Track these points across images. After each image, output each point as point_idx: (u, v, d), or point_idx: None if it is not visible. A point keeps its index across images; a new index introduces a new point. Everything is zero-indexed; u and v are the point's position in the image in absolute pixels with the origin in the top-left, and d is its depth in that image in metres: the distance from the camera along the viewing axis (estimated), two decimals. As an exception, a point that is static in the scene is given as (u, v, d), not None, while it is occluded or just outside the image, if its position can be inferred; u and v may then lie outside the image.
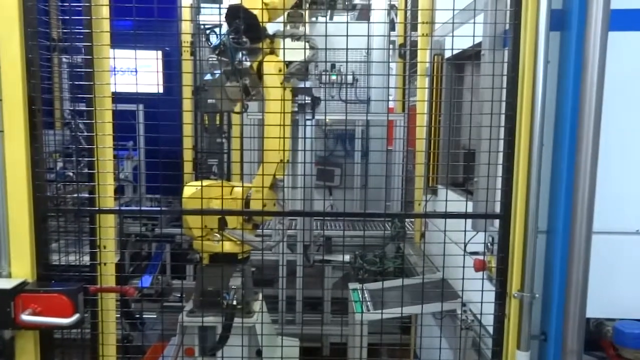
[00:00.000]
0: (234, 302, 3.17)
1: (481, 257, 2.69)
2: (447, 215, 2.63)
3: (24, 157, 2.27)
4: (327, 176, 6.17)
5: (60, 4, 2.73)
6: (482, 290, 2.54)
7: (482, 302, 2.56)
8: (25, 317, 2.19)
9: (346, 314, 4.31)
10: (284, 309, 5.04)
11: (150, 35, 2.99)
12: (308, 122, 4.99)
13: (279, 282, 5.16)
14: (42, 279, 2.36)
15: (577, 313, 2.37)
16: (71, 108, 4.17)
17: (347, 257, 5.02)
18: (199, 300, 3.33)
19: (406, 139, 5.60)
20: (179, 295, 5.88)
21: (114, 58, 2.61)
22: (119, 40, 2.80)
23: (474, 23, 2.57)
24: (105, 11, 2.47)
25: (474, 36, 2.56)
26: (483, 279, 2.61)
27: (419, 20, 4.86)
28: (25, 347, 2.34)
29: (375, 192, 5.71)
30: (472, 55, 3.19)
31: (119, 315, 3.73)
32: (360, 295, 3.66)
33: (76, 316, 2.23)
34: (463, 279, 2.62)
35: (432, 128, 4.23)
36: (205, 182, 3.14)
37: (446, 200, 2.80)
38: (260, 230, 3.47)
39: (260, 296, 3.63)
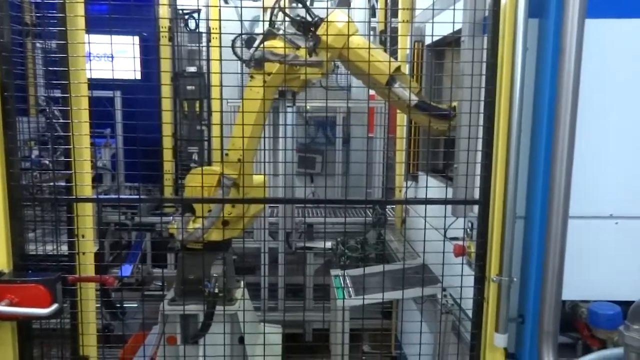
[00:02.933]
0: (216, 290, 3.16)
1: (461, 243, 2.73)
2: (427, 202, 2.66)
3: (-3, 145, 2.22)
4: (308, 163, 6.17)
5: (32, -13, 2.65)
6: (462, 275, 2.59)
7: (461, 287, 2.61)
8: (2, 308, 2.15)
9: (328, 300, 4.34)
10: (266, 296, 5.05)
11: (126, 19, 2.93)
12: (289, 110, 4.97)
13: (261, 270, 5.16)
14: (18, 269, 2.32)
15: (553, 296, 2.42)
16: (46, 95, 4.08)
17: (328, 244, 5.05)
18: (180, 288, 3.32)
19: (387, 125, 5.61)
20: (160, 284, 5.84)
21: (89, 43, 2.55)
22: (95, 24, 2.73)
23: (454, 9, 2.58)
24: (79, -5, 2.41)
25: (453, 23, 2.57)
26: (463, 264, 2.65)
27: (400, 6, 4.84)
28: (3, 338, 2.31)
29: (356, 179, 5.72)
30: (452, 42, 3.20)
31: (99, 305, 3.69)
32: (342, 282, 3.69)
33: (54, 306, 2.20)
34: (443, 264, 2.66)
35: (413, 115, 4.24)
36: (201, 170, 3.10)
37: (426, 187, 2.83)
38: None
39: (242, 284, 3.63)
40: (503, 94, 2.35)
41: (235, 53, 3.25)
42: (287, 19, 3.06)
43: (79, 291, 2.54)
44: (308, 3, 5.46)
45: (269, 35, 3.08)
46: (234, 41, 3.29)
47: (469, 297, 2.59)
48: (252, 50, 3.09)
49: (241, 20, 5.68)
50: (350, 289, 3.57)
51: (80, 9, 2.41)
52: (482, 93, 2.48)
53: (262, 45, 3.01)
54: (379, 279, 3.33)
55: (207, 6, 5.84)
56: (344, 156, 6.19)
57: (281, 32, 3.04)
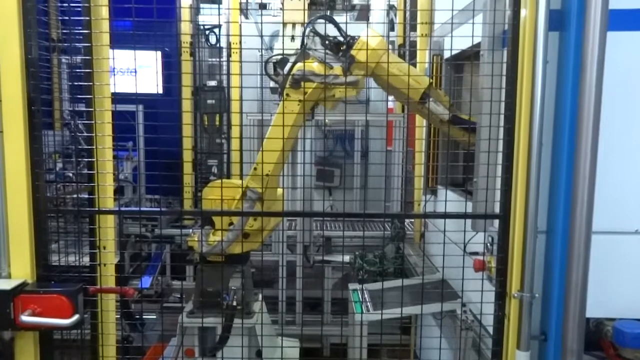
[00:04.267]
0: (234, 303, 3.17)
1: (481, 258, 2.69)
2: (446, 216, 2.64)
3: (24, 157, 2.27)
4: (326, 177, 6.17)
5: (59, 4, 2.72)
6: (482, 291, 2.55)
7: (482, 302, 2.56)
8: (25, 318, 2.19)
9: (346, 315, 4.31)
10: (284, 310, 5.04)
11: (149, 35, 2.99)
12: (307, 123, 5.00)
13: (279, 283, 5.16)
14: (42, 279, 2.36)
15: (577, 313, 2.37)
16: (71, 109, 4.18)
17: (346, 258, 5.02)
18: (199, 301, 3.33)
19: (406, 139, 5.60)
20: (179, 296, 5.88)
21: (114, 59, 2.61)
22: (119, 40, 2.80)
23: (473, 23, 2.57)
24: (104, 11, 2.47)
25: (472, 36, 2.57)
26: (483, 279, 2.62)
27: (418, 20, 4.86)
28: (24, 348, 2.34)
29: (374, 192, 5.71)
30: (471, 55, 3.19)
31: (118, 316, 3.73)
32: (360, 296, 3.66)
33: (76, 317, 2.23)
34: (463, 279, 2.62)
35: (432, 128, 4.23)
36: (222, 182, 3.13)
37: (445, 201, 2.81)
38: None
39: (260, 297, 3.63)
40: (523, 107, 2.33)
41: (267, 74, 3.31)
42: (318, 39, 3.12)
43: (99, 302, 2.57)
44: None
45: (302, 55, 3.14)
46: (266, 62, 3.36)
47: (490, 313, 2.54)
48: (285, 70, 3.13)
49: (261, 36, 5.78)
50: (368, 303, 3.55)
51: (105, 26, 2.47)
52: (502, 106, 2.47)
53: (298, 66, 3.06)
54: (398, 293, 3.30)
55: (228, 22, 5.94)
56: (362, 169, 6.19)
57: (317, 52, 3.10)
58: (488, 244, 2.71)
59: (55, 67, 4.91)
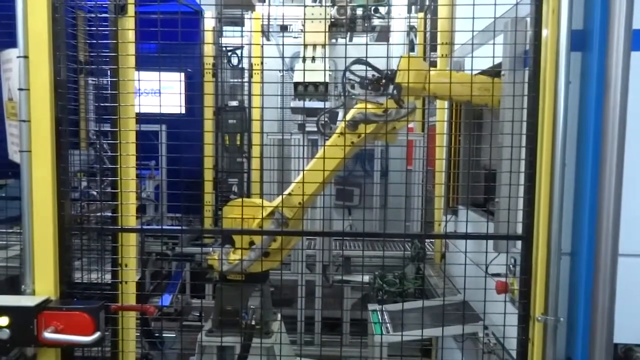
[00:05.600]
0: (253, 322, 3.16)
1: (503, 279, 2.64)
2: (467, 236, 2.61)
3: (50, 176, 2.32)
4: (346, 196, 6.17)
5: (87, 28, 2.81)
6: (505, 313, 2.49)
7: (504, 326, 2.51)
8: (48, 334, 2.21)
9: (365, 336, 4.25)
10: (303, 330, 5.00)
11: (173, 57, 3.06)
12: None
13: (297, 302, 5.13)
14: (64, 296, 2.39)
15: (604, 338, 2.30)
16: (96, 129, 4.27)
17: (366, 278, 4.98)
18: (218, 319, 3.34)
19: (426, 159, 5.58)
20: (198, 314, 5.88)
21: (139, 80, 2.67)
22: (143, 62, 2.87)
23: (494, 44, 2.58)
24: (131, 35, 2.54)
25: (493, 57, 2.56)
26: (505, 301, 2.56)
27: (438, 41, 4.88)
28: (47, 364, 2.37)
29: (394, 212, 5.68)
30: (492, 75, 3.18)
31: (138, 334, 3.74)
32: (379, 317, 3.62)
33: (97, 334, 2.25)
34: (485, 301, 2.58)
35: (452, 148, 4.22)
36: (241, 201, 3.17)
37: (467, 221, 2.78)
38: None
39: (279, 316, 3.62)
40: (545, 127, 2.31)
41: (319, 128, 3.36)
42: (355, 79, 3.18)
43: (120, 320, 2.59)
44: (347, 39, 5.59)
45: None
46: (319, 118, 3.42)
47: (513, 336, 2.49)
48: (346, 116, 3.19)
49: (282, 57, 5.86)
50: (388, 324, 3.50)
51: (131, 48, 2.54)
52: (523, 126, 2.45)
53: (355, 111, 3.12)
54: (418, 314, 3.25)
55: (250, 44, 6.05)
56: (382, 189, 6.17)
57: (360, 96, 3.15)
58: (510, 266, 2.66)
59: (82, 88, 5.04)
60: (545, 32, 2.31)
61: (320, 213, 4.85)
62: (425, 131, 5.96)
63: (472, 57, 2.96)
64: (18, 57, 2.30)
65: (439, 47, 4.88)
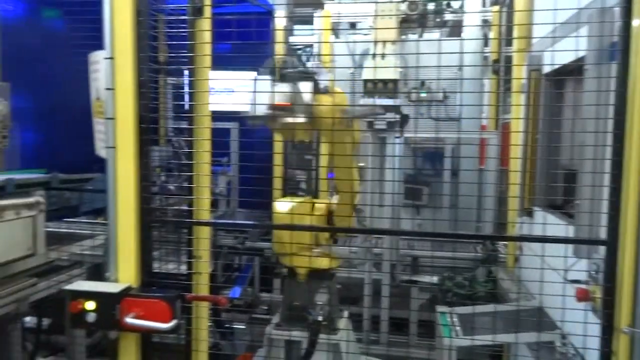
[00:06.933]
0: (319, 318, 3.18)
1: (584, 287, 2.49)
2: (545, 239, 2.48)
3: (133, 171, 2.46)
4: (415, 195, 6.06)
5: (167, 30, 2.95)
6: (585, 323, 2.35)
7: (585, 336, 2.37)
8: (129, 320, 2.34)
9: (433, 338, 4.17)
10: (369, 329, 4.99)
11: (245, 56, 3.14)
12: (396, 140, 4.97)
13: (363, 301, 5.12)
14: (144, 285, 2.53)
15: (698, 353, 2.11)
16: (174, 126, 4.47)
17: (434, 279, 4.88)
18: (286, 314, 3.39)
19: (499, 157, 5.38)
20: (267, 307, 6.02)
21: (214, 79, 2.76)
22: (218, 62, 2.96)
23: (577, 36, 2.43)
24: (207, 36, 2.64)
25: (576, 50, 2.42)
26: (586, 310, 2.42)
27: (515, 35, 4.68)
28: (127, 348, 2.51)
29: (465, 212, 5.52)
30: (573, 70, 3.01)
31: (210, 324, 3.89)
32: (448, 319, 3.54)
33: (174, 322, 2.36)
34: (563, 308, 2.44)
35: (529, 147, 4.03)
36: (292, 199, 3.22)
37: (544, 224, 2.64)
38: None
39: (345, 314, 3.62)
40: (635, 125, 2.15)
41: None
42: None
43: (194, 309, 2.70)
44: (418, 35, 5.48)
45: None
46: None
47: (594, 348, 2.34)
48: None
49: (352, 55, 5.85)
50: (457, 327, 3.41)
51: (208, 49, 2.64)
52: (608, 124, 2.29)
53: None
54: (489, 319, 3.15)
55: (320, 42, 6.10)
56: (452, 188, 6.01)
57: None
58: (592, 272, 2.51)
59: (161, 88, 5.30)
60: (636, 22, 2.15)
61: (389, 211, 4.81)
62: (499, 129, 5.74)
63: (552, 50, 2.82)
64: (105, 58, 2.45)
65: (515, 41, 4.68)
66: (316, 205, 3.32)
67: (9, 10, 4.62)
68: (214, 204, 5.89)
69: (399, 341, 5.26)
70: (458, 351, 3.26)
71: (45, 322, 3.94)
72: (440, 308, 3.81)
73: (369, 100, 4.54)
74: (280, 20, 6.25)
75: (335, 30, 6.49)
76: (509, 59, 5.24)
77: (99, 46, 2.60)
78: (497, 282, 4.55)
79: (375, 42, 4.68)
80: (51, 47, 4.54)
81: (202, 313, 2.76)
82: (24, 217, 3.02)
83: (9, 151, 3.75)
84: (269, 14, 6.06)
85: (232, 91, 2.79)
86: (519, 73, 4.45)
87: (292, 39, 6.73)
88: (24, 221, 3.01)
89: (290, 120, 2.84)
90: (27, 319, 3.64)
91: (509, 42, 5.50)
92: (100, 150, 3.08)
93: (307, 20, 7.40)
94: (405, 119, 4.69)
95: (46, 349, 3.92)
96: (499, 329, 3.14)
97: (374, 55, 4.66)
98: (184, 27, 2.63)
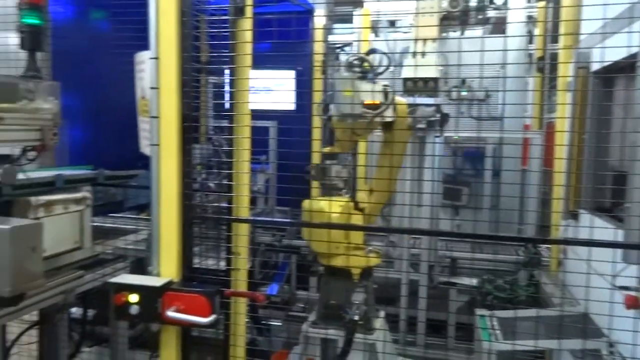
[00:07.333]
0: (356, 318, 3.17)
1: (634, 293, 2.39)
2: (591, 243, 2.39)
3: (176, 168, 2.51)
4: (454, 195, 5.96)
5: (209, 30, 3.00)
6: (635, 331, 2.25)
7: (634, 345, 2.27)
8: (171, 313, 2.39)
9: (472, 341, 4.09)
10: (405, 330, 4.94)
11: (285, 56, 3.16)
12: (436, 140, 4.89)
13: (400, 301, 5.07)
14: (185, 279, 2.58)
15: None
16: (214, 124, 4.55)
17: (473, 281, 4.78)
18: (322, 312, 3.40)
19: (543, 158, 5.22)
20: (302, 305, 6.05)
21: (254, 78, 2.78)
22: (258, 61, 2.99)
23: (630, 32, 2.33)
24: (248, 35, 2.66)
25: (629, 46, 2.32)
26: (636, 318, 2.31)
27: (562, 31, 4.53)
28: (168, 341, 2.57)
29: (506, 213, 5.39)
30: (625, 67, 2.88)
31: (247, 320, 3.94)
32: (488, 323, 3.46)
33: (213, 317, 2.39)
34: (610, 315, 2.35)
35: (575, 147, 3.89)
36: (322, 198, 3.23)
37: (590, 227, 2.55)
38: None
39: (382, 314, 3.60)
40: (692, 125, 2.04)
41: None
42: None
43: (232, 305, 2.74)
44: (460, 32, 5.38)
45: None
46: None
47: (644, 357, 2.24)
48: None
49: (392, 53, 5.79)
50: (497, 331, 3.33)
51: (248, 48, 2.66)
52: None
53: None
54: (531, 324, 3.06)
55: (358, 40, 6.07)
56: (493, 189, 5.87)
57: None
58: (643, 279, 2.40)
59: (202, 87, 5.40)
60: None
61: (426, 211, 4.75)
62: (543, 128, 5.58)
63: (601, 47, 2.71)
64: (150, 58, 2.52)
65: (561, 37, 4.53)
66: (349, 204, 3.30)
67: (59, 13, 4.80)
68: (252, 202, 5.97)
69: (436, 343, 5.19)
70: (498, 356, 3.19)
71: (91, 313, 4.08)
72: (479, 311, 3.73)
73: (410, 99, 4.50)
74: (319, 19, 6.25)
75: (374, 28, 6.45)
76: (554, 56, 5.08)
77: (144, 47, 2.67)
78: (539, 286, 4.42)
79: (416, 40, 4.62)
80: (98, 47, 4.70)
81: (240, 309, 2.80)
82: (72, 211, 3.13)
83: (58, 148, 3.90)
84: (308, 13, 6.07)
85: (271, 90, 2.82)
86: (566, 71, 4.30)
87: (331, 38, 6.72)
88: (71, 215, 3.13)
89: (378, 119, 2.92)
90: (74, 309, 3.77)
91: (554, 39, 5.33)
92: (145, 148, 3.16)
93: (347, 19, 7.39)
94: (445, 118, 4.62)
95: (91, 339, 4.06)
96: (541, 334, 3.05)
97: (414, 53, 4.60)
98: (225, 27, 2.67)
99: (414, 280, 5.06)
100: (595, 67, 3.62)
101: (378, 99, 3.00)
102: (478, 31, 5.79)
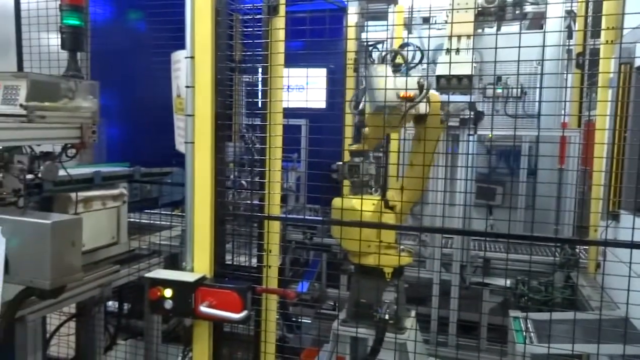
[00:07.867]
0: (386, 317, 3.16)
1: (678, 298, 2.30)
2: (635, 245, 2.31)
3: (210, 165, 2.55)
4: (487, 194, 5.85)
5: (242, 29, 3.03)
6: (679, 338, 2.17)
7: (677, 351, 2.18)
8: (203, 308, 2.44)
9: (505, 343, 4.01)
10: (436, 330, 4.88)
11: (318, 54, 3.16)
12: (470, 138, 4.82)
13: (432, 301, 5.02)
14: (217, 275, 2.62)
15: None
16: (247, 122, 4.59)
17: (507, 282, 4.69)
18: (352, 310, 3.39)
19: (581, 157, 5.06)
20: (333, 303, 6.06)
21: (287, 77, 2.80)
22: (291, 59, 3.01)
23: (677, 26, 2.23)
24: (281, 34, 2.68)
25: (675, 41, 2.22)
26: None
27: (603, 26, 4.37)
28: (201, 335, 2.62)
29: (542, 213, 5.25)
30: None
31: (278, 317, 3.97)
32: (522, 325, 3.38)
33: (245, 313, 2.43)
34: (653, 321, 2.26)
35: (616, 145, 3.76)
36: (352, 196, 3.23)
37: (633, 228, 2.46)
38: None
39: (413, 313, 3.57)
40: None
41: None
42: None
43: (264, 301, 2.76)
44: (495, 28, 5.28)
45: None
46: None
47: (688, 365, 2.15)
48: None
49: (428, 50, 5.72)
50: (532, 334, 3.25)
51: (282, 47, 2.68)
52: None
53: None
54: (567, 327, 2.97)
55: (392, 38, 6.02)
56: (528, 188, 5.73)
57: None
58: (688, 283, 2.30)
59: (235, 85, 5.46)
60: None
61: (459, 211, 4.68)
62: (582, 126, 5.41)
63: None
64: (186, 57, 2.56)
65: (603, 32, 4.37)
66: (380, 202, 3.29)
67: (99, 14, 4.94)
68: (284, 199, 6.00)
69: (468, 344, 5.11)
70: (532, 358, 3.12)
71: (126, 307, 4.20)
72: (513, 312, 3.65)
73: (443, 97, 4.44)
74: (352, 17, 6.23)
75: (408, 25, 6.37)
76: (594, 52, 4.92)
77: (180, 46, 2.71)
78: (576, 288, 4.29)
79: (450, 36, 4.55)
80: (135, 47, 4.81)
81: (271, 305, 2.82)
82: (109, 207, 3.22)
83: (96, 145, 4.02)
84: (342, 10, 6.06)
85: (303, 88, 2.82)
86: (607, 67, 4.16)
87: (364, 35, 6.68)
88: (109, 211, 3.22)
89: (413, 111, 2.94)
90: (110, 303, 3.89)
91: (594, 34, 5.16)
92: (180, 146, 3.22)
93: (380, 17, 7.33)
94: (479, 115, 4.53)
95: (126, 332, 4.17)
96: (578, 338, 2.96)
97: (448, 50, 4.53)
98: (258, 26, 2.69)
99: (445, 280, 5.00)
100: (639, 62, 3.49)
101: (413, 92, 2.99)
102: (515, 27, 5.65)
